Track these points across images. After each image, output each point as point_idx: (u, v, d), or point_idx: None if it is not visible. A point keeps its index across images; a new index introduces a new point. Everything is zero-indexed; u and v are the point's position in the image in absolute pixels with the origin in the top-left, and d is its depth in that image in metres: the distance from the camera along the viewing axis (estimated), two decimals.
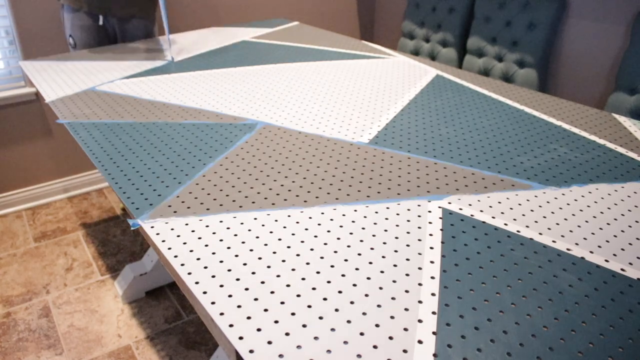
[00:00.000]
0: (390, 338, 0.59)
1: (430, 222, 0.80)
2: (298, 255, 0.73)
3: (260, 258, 0.72)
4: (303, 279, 0.68)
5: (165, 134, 1.11)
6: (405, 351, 0.57)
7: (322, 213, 0.82)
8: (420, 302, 0.64)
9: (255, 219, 0.81)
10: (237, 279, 0.68)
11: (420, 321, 0.61)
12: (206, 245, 0.74)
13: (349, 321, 0.61)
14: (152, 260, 1.75)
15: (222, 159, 1.00)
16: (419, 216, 0.82)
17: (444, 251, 0.74)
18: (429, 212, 0.83)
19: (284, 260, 0.71)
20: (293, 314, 0.62)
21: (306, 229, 0.78)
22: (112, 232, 2.11)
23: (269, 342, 0.58)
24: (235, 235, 0.77)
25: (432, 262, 0.71)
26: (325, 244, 0.75)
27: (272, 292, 0.65)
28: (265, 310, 0.63)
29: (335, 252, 0.73)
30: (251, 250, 0.73)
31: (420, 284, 0.67)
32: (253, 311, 0.62)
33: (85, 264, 1.93)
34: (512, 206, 0.85)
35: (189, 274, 0.69)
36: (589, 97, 1.97)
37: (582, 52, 1.95)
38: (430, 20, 2.40)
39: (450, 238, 0.77)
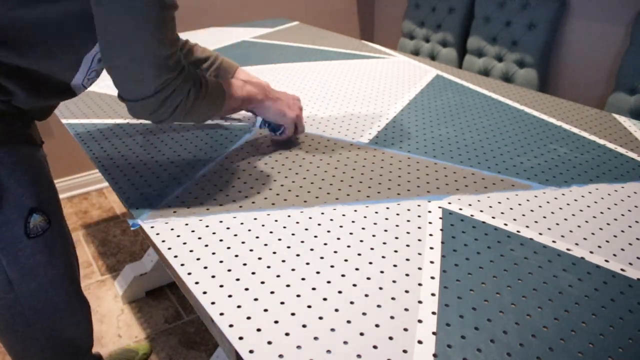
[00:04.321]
0: (390, 338, 0.59)
1: (430, 222, 0.80)
2: (298, 255, 0.73)
3: (260, 258, 0.72)
4: (303, 279, 0.68)
5: (165, 134, 1.11)
6: (405, 351, 0.57)
7: (322, 213, 0.82)
8: (420, 302, 0.64)
9: (255, 219, 0.81)
10: (237, 279, 0.68)
11: (420, 321, 0.61)
12: (206, 246, 0.74)
13: (348, 321, 0.61)
14: (152, 260, 1.75)
15: (222, 159, 1.00)
16: (419, 216, 0.82)
17: (444, 251, 0.74)
18: (429, 212, 0.83)
19: (283, 261, 0.71)
20: (293, 314, 0.62)
21: (306, 229, 0.78)
22: (112, 232, 2.11)
23: (269, 342, 0.58)
24: (235, 235, 0.77)
25: (432, 262, 0.71)
26: (325, 244, 0.75)
27: (271, 292, 0.65)
28: (265, 310, 0.62)
29: (335, 252, 0.73)
30: (251, 250, 0.73)
31: (420, 284, 0.67)
32: (253, 311, 0.62)
33: (85, 264, 1.93)
34: (512, 206, 0.85)
35: (189, 274, 0.69)
36: (589, 97, 1.97)
37: (582, 52, 1.95)
38: (430, 20, 2.40)
39: (450, 238, 0.77)
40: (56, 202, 0.85)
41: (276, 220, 0.80)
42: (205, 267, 0.70)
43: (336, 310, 0.63)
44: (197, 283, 0.67)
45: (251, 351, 0.57)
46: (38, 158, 0.83)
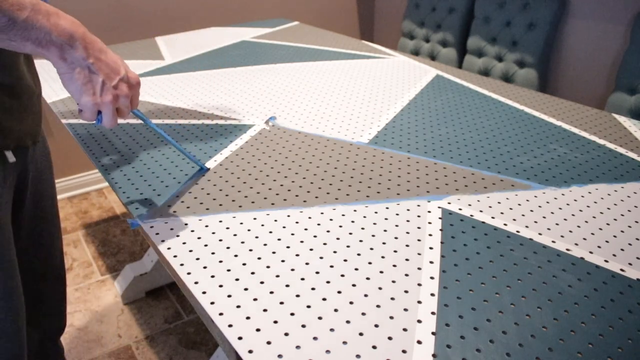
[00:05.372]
0: (390, 338, 0.59)
1: (429, 223, 0.80)
2: (297, 255, 0.72)
3: (259, 258, 0.72)
4: (302, 279, 0.68)
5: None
6: (404, 351, 0.57)
7: (322, 213, 0.82)
8: (419, 302, 0.64)
9: (255, 218, 0.81)
10: (237, 279, 0.68)
11: (419, 321, 0.61)
12: (205, 245, 0.74)
13: (348, 321, 0.61)
14: (152, 260, 1.75)
15: (222, 159, 1.00)
16: (419, 216, 0.82)
17: (444, 251, 0.74)
18: (429, 212, 0.83)
19: (283, 261, 0.71)
20: (292, 314, 0.62)
21: (305, 229, 0.78)
22: (112, 232, 2.11)
23: (268, 342, 0.58)
24: (235, 235, 0.77)
25: (431, 262, 0.71)
26: (324, 244, 0.75)
27: (271, 292, 0.65)
28: (265, 310, 0.62)
29: (335, 252, 0.73)
30: (250, 250, 0.73)
31: (419, 284, 0.67)
32: (252, 311, 0.62)
33: (85, 264, 1.93)
34: (512, 206, 0.85)
35: (188, 274, 0.69)
36: (589, 97, 1.97)
37: (582, 52, 1.95)
38: (430, 20, 2.40)
39: (449, 238, 0.76)
40: None
41: (276, 220, 0.80)
42: (205, 267, 0.70)
43: (335, 310, 0.63)
44: (196, 283, 0.67)
45: (250, 351, 0.57)
46: None
